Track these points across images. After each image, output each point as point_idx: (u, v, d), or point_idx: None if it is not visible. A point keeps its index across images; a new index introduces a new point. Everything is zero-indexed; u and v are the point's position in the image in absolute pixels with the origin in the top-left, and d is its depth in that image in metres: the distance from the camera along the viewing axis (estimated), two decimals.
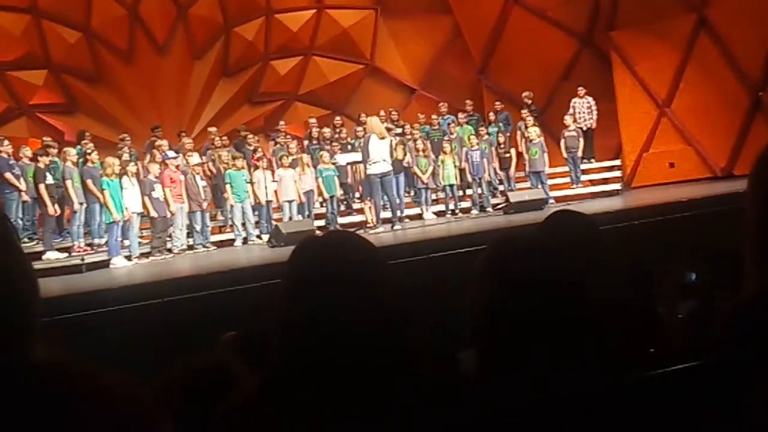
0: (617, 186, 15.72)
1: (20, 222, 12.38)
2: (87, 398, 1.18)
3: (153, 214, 12.49)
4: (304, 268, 1.65)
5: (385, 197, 12.78)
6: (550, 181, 15.32)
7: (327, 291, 1.57)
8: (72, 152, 12.76)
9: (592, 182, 16.15)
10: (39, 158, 12.55)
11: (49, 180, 12.37)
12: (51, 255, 11.94)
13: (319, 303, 1.57)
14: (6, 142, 12.75)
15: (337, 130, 16.28)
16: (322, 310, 1.56)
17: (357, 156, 13.66)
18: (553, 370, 1.75)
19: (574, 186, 15.60)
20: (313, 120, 16.77)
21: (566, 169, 15.70)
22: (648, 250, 6.81)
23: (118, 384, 1.23)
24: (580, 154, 15.57)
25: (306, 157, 14.73)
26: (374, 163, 12.37)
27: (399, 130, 16.02)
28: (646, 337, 2.59)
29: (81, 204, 12.38)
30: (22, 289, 1.23)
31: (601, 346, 1.87)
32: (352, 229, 12.12)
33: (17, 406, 1.14)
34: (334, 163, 14.51)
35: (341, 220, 14.59)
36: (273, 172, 14.45)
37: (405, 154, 14.87)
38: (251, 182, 14.09)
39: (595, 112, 16.05)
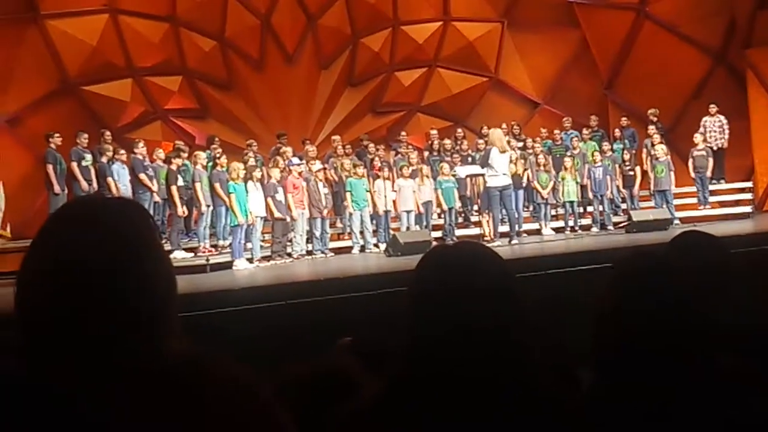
0: (748, 209, 15.08)
1: None
2: (217, 388, 1.23)
3: (276, 214, 12.75)
4: (433, 277, 1.65)
5: (504, 211, 12.67)
6: (676, 201, 14.83)
7: (456, 300, 1.57)
8: (202, 156, 13.24)
9: (721, 204, 15.55)
10: (172, 161, 13.07)
11: (180, 182, 12.88)
12: (178, 254, 12.40)
13: (447, 312, 1.57)
14: (141, 144, 13.37)
15: (459, 142, 16.27)
16: (450, 319, 1.56)
17: (477, 168, 13.60)
18: (672, 395, 1.71)
19: (702, 207, 15.05)
20: (435, 131, 16.82)
21: (694, 189, 15.18)
22: None
23: (248, 378, 1.27)
24: (709, 174, 15.03)
25: (426, 168, 14.77)
26: (494, 176, 12.29)
27: (520, 144, 15.86)
28: None
29: (208, 206, 12.82)
30: (162, 285, 1.30)
31: (725, 372, 1.81)
32: None
33: (149, 395, 1.20)
34: (453, 175, 14.50)
35: (459, 232, 14.53)
36: (393, 181, 14.57)
37: (525, 169, 14.72)
38: (371, 191, 14.24)
39: (726, 131, 15.46)
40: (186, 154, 13.78)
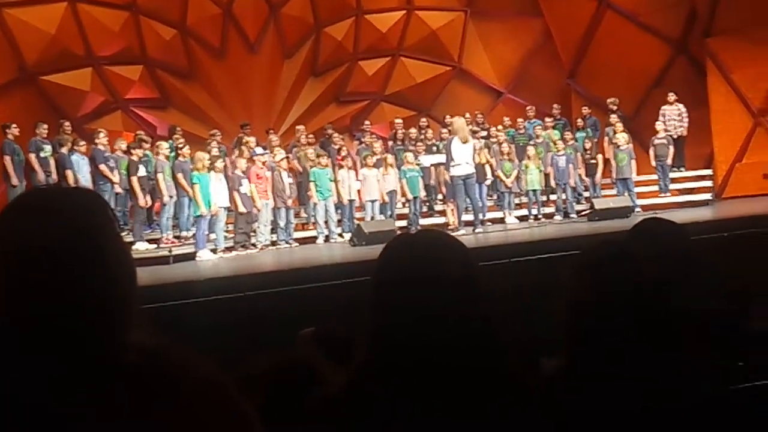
0: (707, 196, 15.31)
1: None
2: (180, 381, 1.21)
3: (242, 209, 12.70)
4: (395, 266, 1.65)
5: (468, 200, 12.72)
6: (637, 189, 15.01)
7: (419, 289, 1.57)
8: (164, 146, 13.13)
9: (681, 191, 15.76)
10: (132, 151, 12.93)
11: (142, 173, 12.75)
12: (140, 246, 12.29)
13: (410, 300, 1.56)
14: (102, 135, 13.20)
15: (423, 132, 16.30)
16: (413, 308, 1.56)
17: (441, 158, 13.64)
18: (637, 380, 1.72)
19: (662, 195, 15.25)
20: (399, 121, 16.85)
21: (655, 177, 15.37)
22: (738, 263, 6.61)
23: (211, 371, 1.26)
24: (669, 162, 15.22)
25: (390, 158, 14.77)
26: (457, 165, 12.33)
27: (484, 133, 15.94)
28: (734, 350, 2.52)
29: (171, 197, 12.72)
30: (122, 276, 1.28)
31: (687, 357, 1.83)
32: None
33: (112, 388, 1.18)
34: (418, 164, 14.53)
35: (423, 221, 14.60)
36: (357, 171, 14.56)
37: (488, 160, 14.79)
38: (335, 181, 14.22)
39: (686, 120, 15.66)
40: (148, 145, 13.64)
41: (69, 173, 12.57)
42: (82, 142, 13.06)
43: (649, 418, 1.68)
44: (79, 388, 1.17)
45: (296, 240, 13.87)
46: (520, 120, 16.62)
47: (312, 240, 14.07)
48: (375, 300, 1.62)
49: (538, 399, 1.60)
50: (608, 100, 16.01)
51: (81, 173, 12.70)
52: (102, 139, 13.10)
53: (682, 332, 1.82)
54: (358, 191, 14.37)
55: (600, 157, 15.59)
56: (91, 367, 1.18)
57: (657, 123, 15.29)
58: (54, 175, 12.63)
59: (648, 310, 1.77)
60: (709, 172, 16.03)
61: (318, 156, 14.31)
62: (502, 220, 14.84)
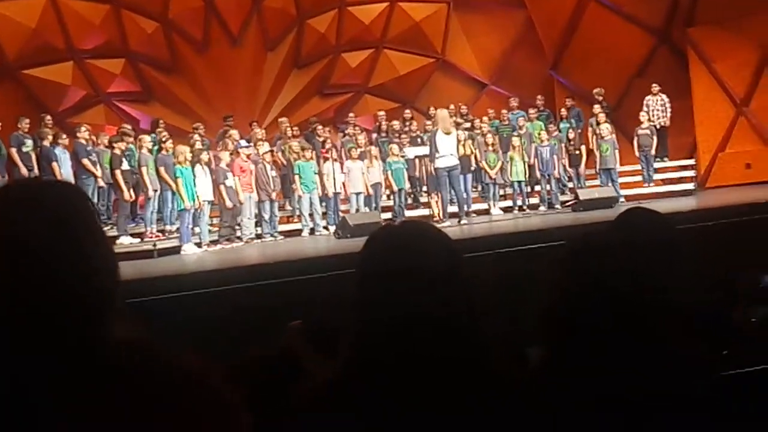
0: (690, 186, 15.40)
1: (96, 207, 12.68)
2: (165, 377, 1.21)
3: (228, 204, 12.67)
4: (379, 258, 1.64)
5: (453, 191, 12.73)
6: (621, 179, 15.07)
7: (402, 281, 1.56)
8: (147, 140, 13.08)
9: (665, 181, 15.84)
10: (115, 145, 12.86)
11: (125, 166, 12.68)
12: (124, 240, 12.24)
13: (394, 293, 1.56)
14: (83, 129, 13.11)
15: (407, 124, 16.29)
16: (397, 300, 1.55)
17: (425, 149, 13.64)
18: (620, 371, 1.72)
19: (646, 185, 15.33)
20: (383, 113, 16.83)
21: (638, 167, 15.43)
22: (722, 252, 6.65)
23: (195, 364, 1.25)
24: (653, 152, 15.28)
25: (374, 150, 14.76)
26: (441, 157, 12.33)
27: (468, 125, 15.95)
28: (718, 340, 2.53)
29: (155, 191, 12.66)
30: (104, 271, 1.26)
31: (671, 347, 1.83)
32: None
33: (95, 384, 1.17)
34: (403, 156, 14.53)
35: (408, 213, 14.59)
36: (342, 163, 14.54)
37: (473, 151, 14.80)
38: (320, 173, 14.20)
39: (669, 110, 15.73)
40: (131, 138, 13.55)
41: (54, 167, 12.42)
42: (64, 136, 12.95)
43: (633, 409, 1.68)
44: (60, 384, 1.15)
45: (281, 233, 13.84)
46: (504, 111, 16.63)
47: (297, 233, 14.04)
48: (358, 293, 1.62)
49: (523, 392, 1.60)
50: (594, 91, 16.05)
51: (63, 167, 12.59)
52: (84, 133, 12.99)
53: (665, 323, 1.82)
54: (343, 183, 14.36)
55: (584, 147, 15.63)
56: (72, 362, 1.17)
57: (641, 113, 15.34)
58: (36, 170, 12.52)
59: (631, 301, 1.77)
60: (692, 161, 16.12)
61: (303, 149, 14.27)
62: (487, 212, 14.87)
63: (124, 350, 1.22)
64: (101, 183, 12.89)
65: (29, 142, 12.61)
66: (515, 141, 15.14)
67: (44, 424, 1.14)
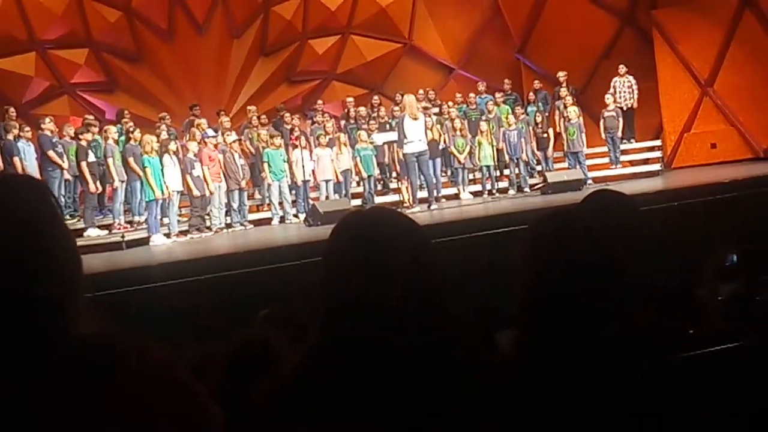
0: (657, 167, 15.53)
1: (62, 199, 12.55)
2: (131, 371, 1.19)
3: (195, 193, 12.60)
4: (345, 245, 1.64)
5: (422, 177, 12.75)
6: (588, 162, 15.18)
7: (369, 268, 1.56)
8: (113, 130, 12.92)
9: (632, 163, 15.97)
10: (80, 136, 12.68)
11: (91, 158, 12.52)
12: (92, 232, 12.11)
13: (361, 280, 1.55)
14: (48, 120, 12.92)
15: (375, 110, 16.26)
16: (364, 287, 1.55)
17: (393, 135, 13.63)
18: (590, 350, 1.74)
19: (613, 166, 15.44)
20: (351, 99, 16.76)
21: (605, 149, 15.54)
22: (688, 232, 6.73)
23: (162, 356, 1.24)
24: (619, 134, 15.38)
25: (343, 137, 14.72)
26: (409, 142, 12.34)
27: (436, 110, 15.96)
28: (685, 319, 2.56)
29: (122, 182, 12.54)
30: (66, 265, 1.25)
31: (639, 327, 1.85)
32: None
33: (60, 379, 1.16)
34: (371, 143, 14.51)
35: (378, 199, 14.60)
36: (310, 151, 14.49)
37: (441, 135, 14.82)
38: (289, 161, 14.14)
39: (635, 92, 15.84)
40: (96, 129, 13.37)
41: (16, 161, 12.25)
42: (27, 129, 12.74)
43: (601, 389, 1.70)
44: (22, 380, 1.14)
45: (251, 222, 13.79)
46: (471, 95, 16.64)
47: (267, 221, 14.00)
48: (324, 282, 1.61)
49: (493, 376, 1.60)
50: (558, 74, 16.10)
51: (27, 160, 12.40)
52: (48, 124, 12.79)
53: (631, 302, 1.84)
54: (313, 171, 14.31)
55: (551, 130, 15.71)
56: (34, 358, 1.16)
57: (606, 96, 15.43)
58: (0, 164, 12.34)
59: (597, 281, 1.78)
60: (658, 143, 16.25)
61: (271, 137, 14.20)
62: (456, 197, 14.91)
63: (88, 345, 1.21)
64: (67, 175, 12.72)
65: None
66: (483, 125, 15.17)
67: (5, 421, 1.12)
